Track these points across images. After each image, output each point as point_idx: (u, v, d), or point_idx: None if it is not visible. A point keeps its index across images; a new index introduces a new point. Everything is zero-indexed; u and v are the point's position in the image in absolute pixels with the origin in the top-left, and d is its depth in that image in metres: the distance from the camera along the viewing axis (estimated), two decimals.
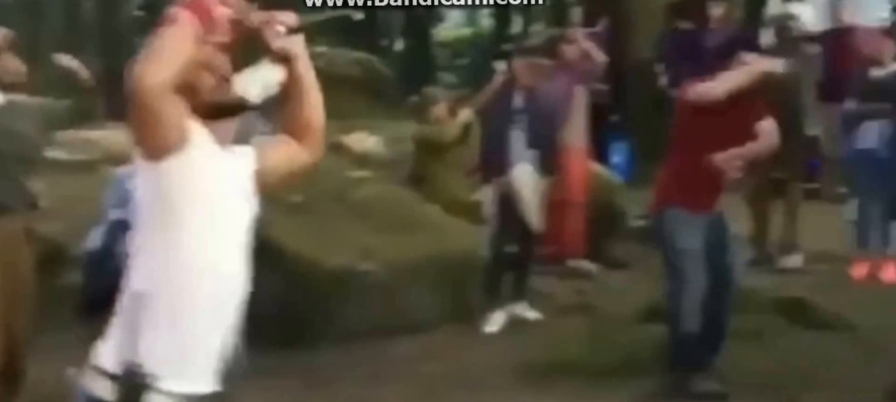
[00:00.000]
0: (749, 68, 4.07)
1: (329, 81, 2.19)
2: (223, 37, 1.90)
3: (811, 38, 7.19)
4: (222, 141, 1.98)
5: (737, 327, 4.99)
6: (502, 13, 17.30)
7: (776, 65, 4.10)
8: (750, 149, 4.21)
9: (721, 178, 4.22)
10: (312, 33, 2.12)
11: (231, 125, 2.01)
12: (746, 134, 4.20)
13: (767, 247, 6.38)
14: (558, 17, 9.31)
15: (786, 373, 4.50)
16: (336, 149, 6.53)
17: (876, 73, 5.72)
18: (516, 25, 18.00)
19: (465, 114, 6.02)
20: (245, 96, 2.01)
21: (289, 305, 4.88)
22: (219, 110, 1.97)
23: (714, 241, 4.21)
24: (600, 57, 6.18)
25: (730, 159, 4.12)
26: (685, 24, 8.04)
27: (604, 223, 6.41)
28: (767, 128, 4.22)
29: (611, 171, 7.17)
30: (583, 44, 6.13)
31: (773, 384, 4.39)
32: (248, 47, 2.04)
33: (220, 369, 1.99)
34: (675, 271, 4.28)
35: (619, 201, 6.75)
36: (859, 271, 5.62)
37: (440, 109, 6.46)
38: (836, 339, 4.88)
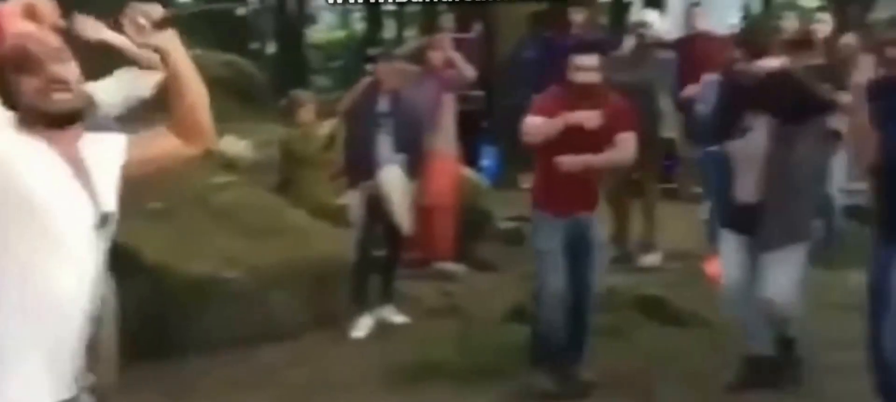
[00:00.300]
0: (557, 121, 4.12)
1: None
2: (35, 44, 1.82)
3: (666, 44, 7.48)
4: (67, 145, 1.91)
5: (598, 324, 5.14)
6: (375, 17, 17.28)
7: (589, 118, 4.14)
8: (600, 158, 4.25)
9: (585, 185, 4.28)
10: (183, 30, 2.08)
11: (75, 130, 1.94)
12: (604, 146, 4.25)
13: (628, 246, 6.59)
14: (431, 22, 9.35)
15: (643, 368, 4.66)
16: (204, 152, 6.38)
17: (709, 78, 5.98)
18: (390, 29, 18.03)
19: (329, 124, 6.00)
20: (100, 101, 1.94)
21: (148, 314, 4.74)
22: (52, 119, 1.89)
23: (574, 245, 4.30)
24: (466, 67, 6.23)
25: (575, 163, 4.17)
26: (547, 32, 8.26)
27: (471, 226, 6.48)
28: (624, 139, 4.27)
29: (479, 174, 7.25)
30: (448, 52, 6.18)
31: (630, 379, 4.54)
32: None
33: (56, 386, 1.91)
34: (536, 271, 4.38)
35: (487, 203, 6.85)
36: (711, 268, 5.86)
37: (307, 113, 6.41)
38: (690, 334, 5.09)
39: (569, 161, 4.13)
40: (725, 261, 4.33)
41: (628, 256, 6.52)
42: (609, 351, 4.80)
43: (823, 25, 6.22)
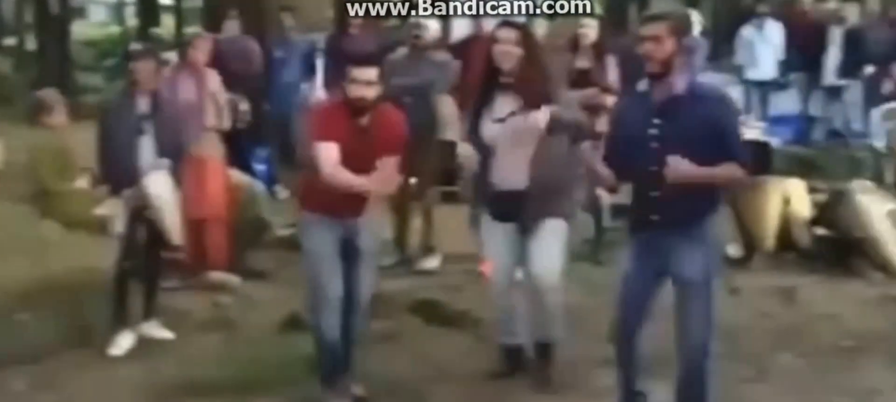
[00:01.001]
0: (359, 183, 4.01)
1: None
2: None
3: (449, 46, 7.52)
4: None
5: (375, 330, 5.07)
6: (150, 12, 16.49)
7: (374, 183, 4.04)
8: (361, 182, 4.05)
9: (353, 195, 4.11)
10: None
11: None
12: (371, 158, 4.09)
13: (407, 250, 6.55)
14: (213, 18, 8.95)
15: (418, 371, 4.62)
16: None
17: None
18: (169, 25, 17.30)
19: None
20: None
21: None
22: None
23: (344, 250, 4.16)
24: (224, 117, 5.90)
25: (346, 183, 4.04)
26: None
27: (247, 233, 6.23)
28: (386, 164, 4.11)
29: (253, 179, 6.97)
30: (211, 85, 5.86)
31: (405, 383, 4.48)
32: None
33: None
34: (309, 277, 4.20)
35: (263, 209, 6.60)
36: (487, 268, 5.93)
37: (58, 115, 5.90)
38: (465, 335, 5.11)
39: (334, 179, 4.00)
40: (492, 250, 4.39)
41: (408, 260, 6.49)
42: (386, 357, 4.74)
43: (589, 30, 6.41)
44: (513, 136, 4.13)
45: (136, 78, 4.96)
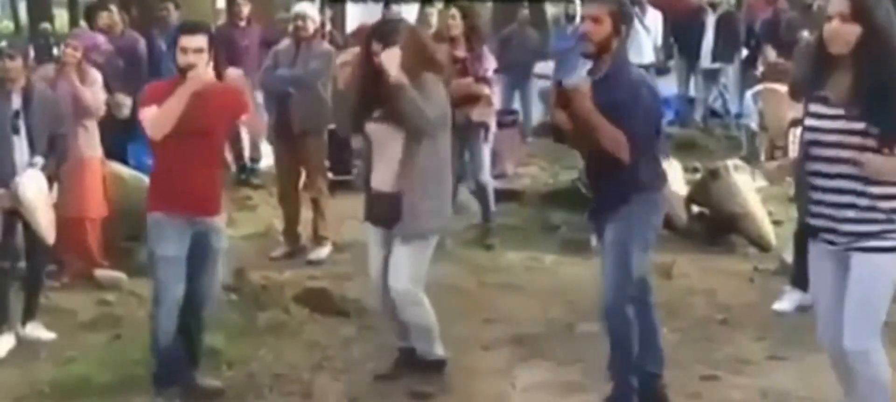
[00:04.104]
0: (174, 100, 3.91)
1: None
2: None
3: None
4: None
5: (262, 320, 5.08)
6: (42, 6, 15.98)
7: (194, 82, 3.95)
8: (173, 101, 3.92)
9: (206, 185, 4.07)
10: None
11: None
12: (208, 124, 4.04)
13: (299, 240, 6.56)
14: (95, 11, 8.69)
15: (305, 361, 4.63)
16: None
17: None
18: (61, 20, 16.79)
19: None
20: None
21: None
22: None
23: (195, 249, 4.07)
24: (92, 101, 5.74)
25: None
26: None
27: (132, 227, 6.11)
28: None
29: (136, 170, 6.83)
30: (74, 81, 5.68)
31: (291, 374, 4.48)
32: None
33: None
34: (155, 279, 4.06)
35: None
36: None
37: None
38: (354, 324, 5.15)
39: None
40: (370, 252, 4.33)
41: (301, 250, 6.49)
42: (271, 347, 4.75)
43: (454, 20, 6.36)
44: (391, 137, 4.09)
45: (9, 76, 4.85)
